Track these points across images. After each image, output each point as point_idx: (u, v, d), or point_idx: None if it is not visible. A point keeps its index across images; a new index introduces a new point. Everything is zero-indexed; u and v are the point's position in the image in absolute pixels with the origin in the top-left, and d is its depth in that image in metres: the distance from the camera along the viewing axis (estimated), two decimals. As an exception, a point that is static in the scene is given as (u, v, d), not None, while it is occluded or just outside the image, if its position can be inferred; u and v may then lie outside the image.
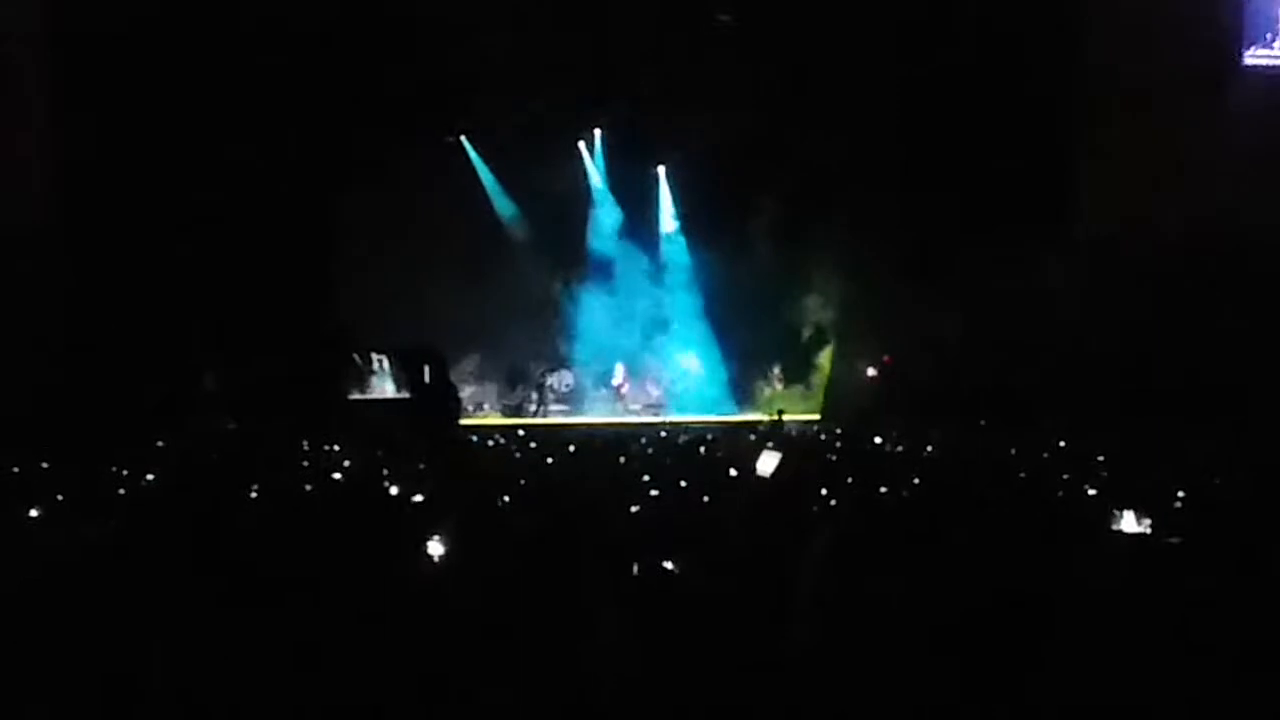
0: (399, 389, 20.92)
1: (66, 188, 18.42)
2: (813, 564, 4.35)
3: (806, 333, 22.79)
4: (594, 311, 24.08)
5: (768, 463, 6.87)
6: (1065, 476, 9.24)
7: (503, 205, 23.85)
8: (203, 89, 18.76)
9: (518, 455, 12.69)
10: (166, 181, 18.60)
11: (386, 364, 21.83)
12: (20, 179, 17.98)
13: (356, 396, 21.24)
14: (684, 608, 4.39)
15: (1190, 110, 18.94)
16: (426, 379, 16.58)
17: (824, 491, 7.98)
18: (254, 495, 7.95)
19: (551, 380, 23.91)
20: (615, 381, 23.97)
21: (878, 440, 14.77)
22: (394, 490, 8.46)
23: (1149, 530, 5.84)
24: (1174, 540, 5.53)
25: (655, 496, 7.93)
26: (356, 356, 21.79)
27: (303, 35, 19.71)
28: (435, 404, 16.34)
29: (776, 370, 23.33)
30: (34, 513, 6.91)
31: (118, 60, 18.34)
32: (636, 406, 23.77)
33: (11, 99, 18.03)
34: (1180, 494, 7.28)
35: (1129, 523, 5.89)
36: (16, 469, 9.92)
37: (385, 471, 9.88)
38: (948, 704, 3.43)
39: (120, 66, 18.32)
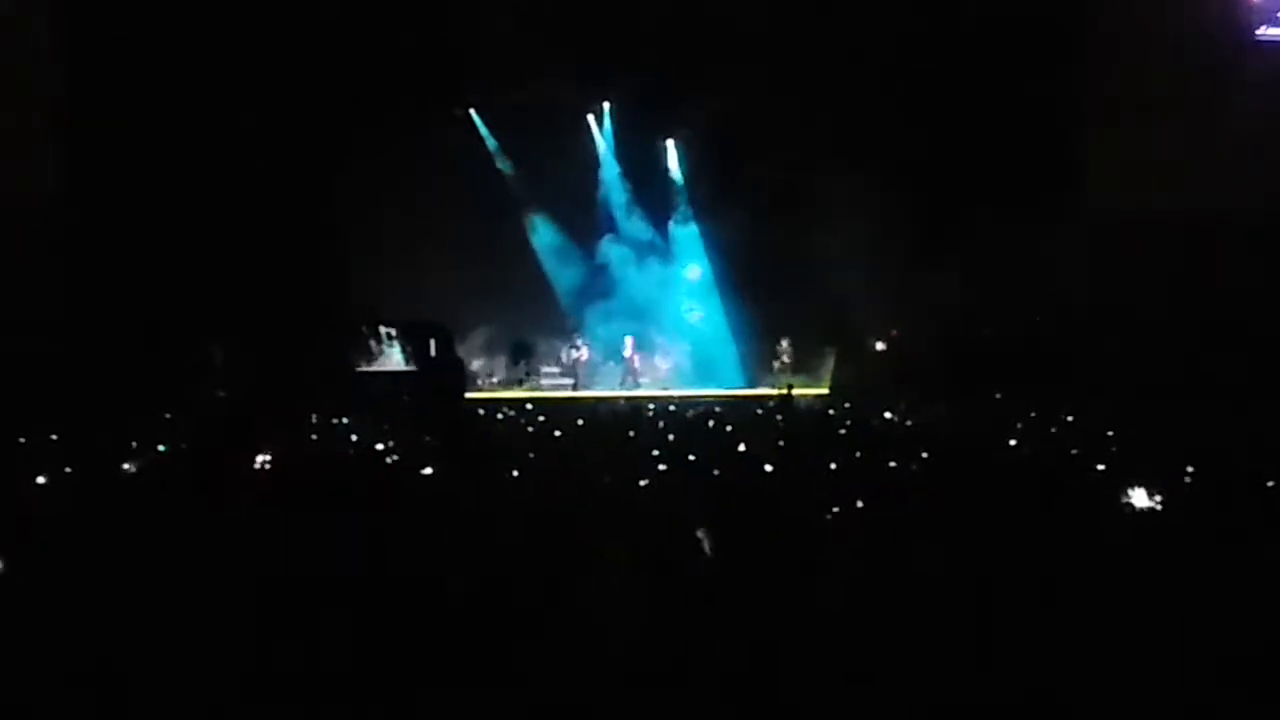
0: (405, 362, 20.96)
1: (72, 159, 18.43)
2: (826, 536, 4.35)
3: (815, 307, 22.67)
4: (604, 285, 24.08)
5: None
6: (1074, 452, 9.22)
7: (511, 179, 23.82)
8: (208, 63, 18.73)
9: (530, 430, 12.68)
10: (173, 154, 18.58)
11: (393, 337, 21.83)
12: (26, 150, 17.97)
13: (364, 369, 21.27)
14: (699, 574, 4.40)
15: (1199, 83, 18.86)
16: (432, 352, 16.58)
17: (833, 466, 7.99)
18: (262, 468, 7.96)
19: (576, 354, 23.92)
20: (625, 355, 23.97)
21: (887, 415, 14.73)
22: (400, 461, 8.49)
23: (1159, 506, 5.83)
24: (1180, 515, 5.53)
25: (664, 471, 7.93)
26: (364, 329, 21.81)
27: (311, 6, 19.65)
28: (440, 377, 16.35)
29: (785, 344, 23.30)
30: (41, 480, 6.93)
31: (123, 31, 18.32)
32: (646, 380, 23.78)
33: (17, 69, 17.99)
34: (1189, 470, 7.26)
35: (1140, 498, 5.88)
36: (23, 439, 9.92)
37: (391, 444, 9.88)
38: (956, 667, 3.43)
39: (125, 38, 18.30)
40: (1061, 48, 19.65)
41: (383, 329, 21.82)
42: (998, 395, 17.11)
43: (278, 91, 19.36)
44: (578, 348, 23.95)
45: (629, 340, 23.98)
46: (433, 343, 16.78)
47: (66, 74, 18.49)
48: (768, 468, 8.06)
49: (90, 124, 18.34)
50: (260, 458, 8.15)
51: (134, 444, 9.47)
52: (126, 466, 7.72)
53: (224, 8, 18.87)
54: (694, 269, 24.52)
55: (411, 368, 20.33)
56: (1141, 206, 18.83)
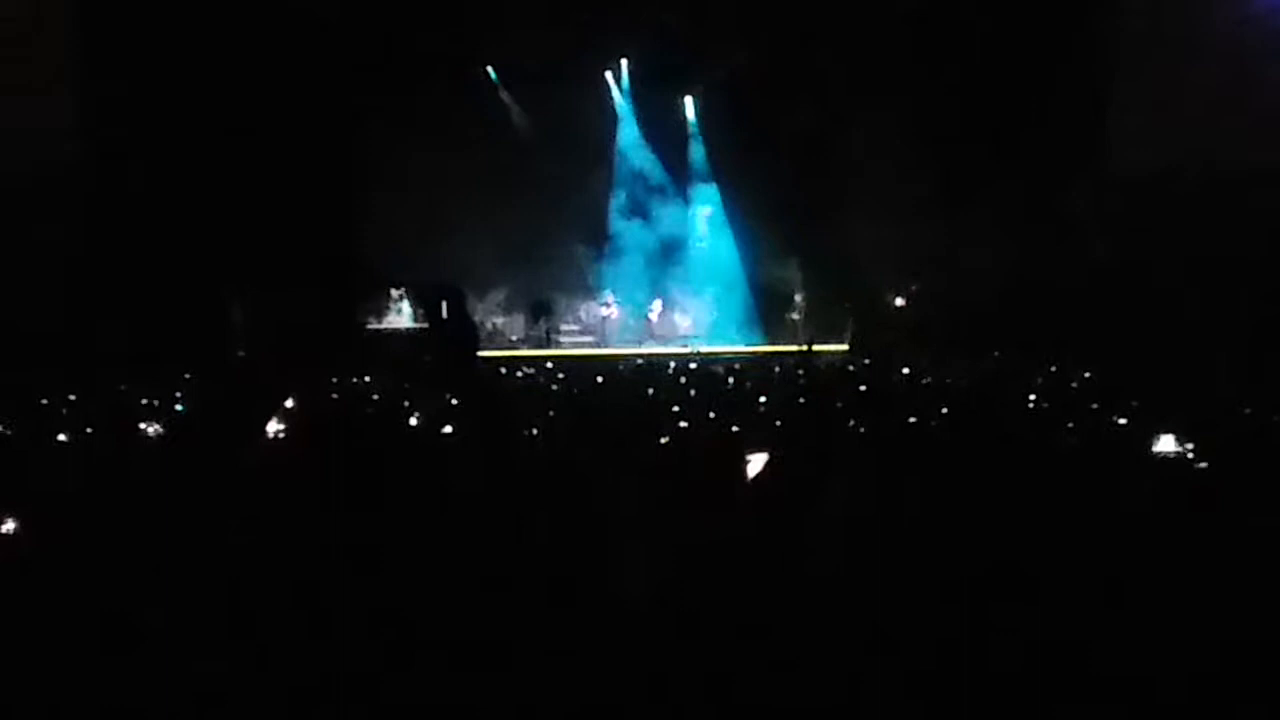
0: (416, 321, 20.98)
1: (91, 119, 18.41)
2: (835, 492, 4.33)
3: (835, 262, 22.57)
4: (621, 243, 24.05)
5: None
6: (1095, 406, 9.19)
7: (529, 135, 23.72)
8: (226, 21, 18.68)
9: (554, 388, 12.69)
10: (191, 115, 18.57)
11: (404, 298, 21.83)
12: (41, 100, 17.94)
13: (375, 327, 21.30)
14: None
15: (1220, 42, 18.60)
16: (444, 314, 16.64)
17: (851, 422, 7.96)
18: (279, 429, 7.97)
19: (606, 312, 23.92)
20: (652, 315, 23.96)
21: (906, 371, 14.70)
22: (422, 421, 8.50)
23: (1189, 453, 5.80)
24: (1202, 465, 5.50)
25: (684, 428, 7.93)
26: (379, 288, 21.82)
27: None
28: (453, 338, 16.44)
29: (799, 299, 23.22)
30: (62, 437, 6.98)
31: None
32: (667, 337, 23.75)
33: (34, 28, 17.96)
34: (1210, 422, 7.23)
35: (1168, 444, 5.85)
36: (45, 400, 9.97)
37: (410, 404, 9.89)
38: (968, 627, 3.41)
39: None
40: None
41: (393, 290, 21.82)
42: (996, 353, 17.06)
43: (294, 49, 19.29)
44: (607, 305, 23.95)
45: (657, 303, 23.97)
46: (444, 304, 16.86)
47: (86, 29, 18.45)
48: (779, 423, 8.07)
49: (107, 75, 18.32)
50: (281, 418, 8.16)
51: (154, 404, 9.51)
52: (145, 427, 7.73)
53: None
54: (705, 209, 24.49)
55: (424, 325, 20.40)
56: (1169, 164, 18.63)
